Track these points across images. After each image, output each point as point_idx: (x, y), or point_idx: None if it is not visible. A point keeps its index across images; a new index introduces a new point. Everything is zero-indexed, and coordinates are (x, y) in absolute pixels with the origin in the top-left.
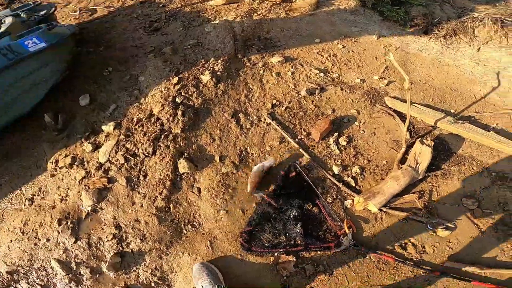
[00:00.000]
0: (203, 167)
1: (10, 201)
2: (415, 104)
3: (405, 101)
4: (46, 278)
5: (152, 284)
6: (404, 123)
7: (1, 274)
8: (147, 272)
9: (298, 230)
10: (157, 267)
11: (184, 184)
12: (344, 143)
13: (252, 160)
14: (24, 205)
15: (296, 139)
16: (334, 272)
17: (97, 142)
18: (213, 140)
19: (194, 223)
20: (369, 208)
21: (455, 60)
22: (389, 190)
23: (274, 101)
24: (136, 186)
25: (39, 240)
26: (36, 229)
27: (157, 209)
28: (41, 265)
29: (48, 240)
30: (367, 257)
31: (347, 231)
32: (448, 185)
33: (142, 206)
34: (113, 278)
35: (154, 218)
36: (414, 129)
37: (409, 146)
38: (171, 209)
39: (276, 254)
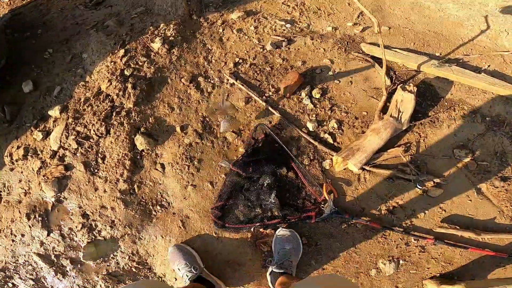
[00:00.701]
0: (164, 141)
1: None
2: (395, 49)
3: (385, 47)
4: (34, 272)
5: (133, 269)
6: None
7: None
8: (125, 258)
9: (273, 200)
10: (133, 252)
11: (146, 162)
12: (318, 96)
13: (217, 125)
14: None
15: (264, 97)
16: (318, 244)
17: (46, 129)
18: (171, 109)
19: (162, 203)
20: (350, 168)
21: (437, 3)
22: (370, 146)
23: (237, 60)
24: (95, 171)
25: (15, 236)
26: (9, 226)
27: (121, 192)
28: (25, 260)
29: (23, 235)
30: (352, 225)
31: (327, 197)
32: (437, 135)
33: (105, 191)
34: (94, 267)
35: (119, 202)
36: (396, 75)
37: (392, 94)
38: (136, 190)
39: (253, 229)
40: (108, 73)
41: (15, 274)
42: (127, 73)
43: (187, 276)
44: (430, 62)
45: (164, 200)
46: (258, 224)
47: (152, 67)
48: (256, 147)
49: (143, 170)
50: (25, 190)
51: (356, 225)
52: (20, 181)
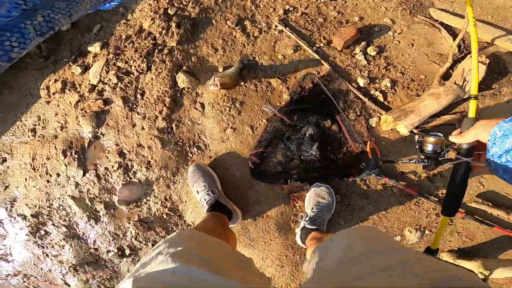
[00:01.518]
0: (206, 80)
1: (14, 133)
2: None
3: (455, 14)
4: (67, 218)
5: (164, 216)
6: (453, 37)
7: (28, 219)
8: (157, 204)
9: (314, 153)
10: (167, 197)
11: (186, 100)
12: (373, 54)
13: (262, 69)
14: (28, 136)
15: (314, 47)
16: (351, 203)
17: (85, 64)
18: (215, 50)
19: (199, 145)
20: (397, 129)
21: None
22: (426, 110)
23: (287, 7)
24: (134, 107)
25: (50, 176)
26: (45, 164)
27: (158, 130)
28: (59, 204)
29: (58, 175)
30: (389, 188)
31: (369, 155)
32: (495, 108)
33: (143, 128)
34: (126, 213)
35: (157, 141)
36: (465, 44)
37: (457, 62)
38: (174, 129)
39: (289, 182)
40: (151, 11)
41: (48, 220)
42: (170, 12)
43: (205, 200)
44: (507, 37)
45: (202, 141)
46: (295, 175)
47: (196, 8)
48: (303, 95)
49: (183, 108)
50: (62, 124)
51: (393, 189)
52: (56, 114)
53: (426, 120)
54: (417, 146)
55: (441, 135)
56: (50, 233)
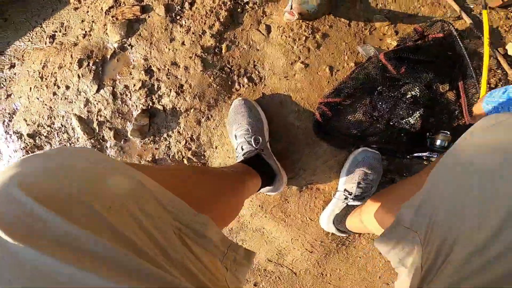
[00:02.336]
0: None
1: (31, 39)
2: None
3: None
4: (68, 143)
5: (185, 161)
6: None
7: (24, 139)
8: (179, 143)
9: (413, 121)
10: (193, 136)
11: (247, 18)
12: None
13: (365, 2)
14: (45, 43)
15: None
16: (395, 180)
17: None
18: None
19: (252, 76)
20: None
21: None
22: None
23: None
24: (177, 17)
25: (58, 87)
26: (55, 73)
27: (203, 49)
28: (62, 125)
29: (67, 87)
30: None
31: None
32: None
33: (183, 44)
34: (139, 148)
35: (197, 61)
36: None
37: None
38: (223, 51)
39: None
40: None
41: (46, 144)
42: None
43: (242, 149)
44: None
45: (256, 72)
46: (374, 145)
47: None
48: (420, 45)
49: (240, 28)
50: (86, 32)
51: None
52: (82, 21)
53: None
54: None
55: (448, 133)
56: None
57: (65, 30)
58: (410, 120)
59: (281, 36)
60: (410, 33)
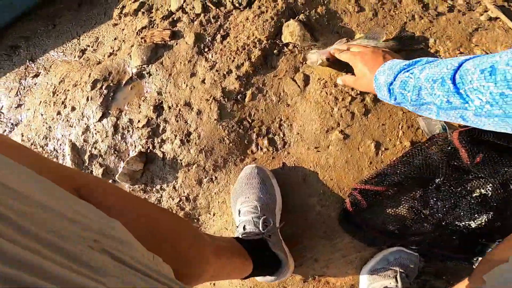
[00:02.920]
0: (326, 43)
1: (65, 50)
2: None
3: None
4: None
5: None
6: None
7: None
8: (173, 199)
9: (475, 224)
10: (190, 197)
11: (283, 63)
12: None
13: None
14: (74, 57)
15: None
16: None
17: None
18: (360, 9)
19: (275, 138)
20: None
21: None
22: None
23: None
24: (206, 49)
25: (65, 107)
26: (67, 90)
27: (224, 92)
28: (54, 148)
29: (73, 109)
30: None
31: None
32: None
33: (203, 81)
34: None
35: (214, 107)
36: None
37: None
38: (246, 98)
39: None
40: None
41: None
42: None
43: (244, 229)
44: None
45: (281, 134)
46: (414, 246)
47: None
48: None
49: (273, 73)
50: (113, 51)
51: None
52: (115, 39)
53: None
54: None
55: None
56: None
57: (97, 46)
58: (472, 224)
59: (321, 91)
60: None
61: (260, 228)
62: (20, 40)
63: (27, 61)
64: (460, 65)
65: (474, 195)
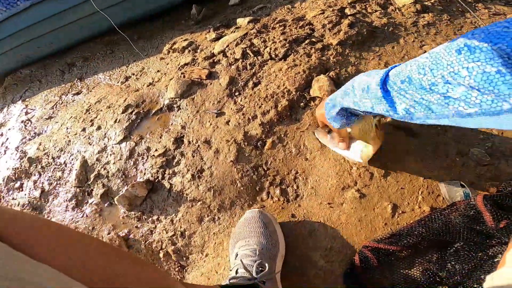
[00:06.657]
0: None
1: (112, 75)
2: None
3: None
4: (55, 182)
5: (160, 255)
6: None
7: (23, 160)
8: (167, 232)
9: None
10: (186, 233)
11: (308, 116)
12: None
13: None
14: (118, 81)
15: None
16: None
17: (223, 34)
18: None
19: (288, 189)
20: None
21: None
22: None
23: None
24: (236, 93)
25: (92, 125)
26: (100, 111)
27: (245, 136)
28: (64, 162)
29: (99, 128)
30: None
31: None
32: None
33: (227, 123)
34: (119, 218)
35: (232, 148)
36: None
37: None
38: (266, 146)
39: None
40: (325, 5)
41: (36, 173)
42: (348, 12)
43: (236, 273)
44: None
45: (295, 186)
46: None
47: (384, 19)
48: None
49: (296, 125)
50: (153, 81)
51: None
52: (158, 71)
53: None
54: None
55: None
56: (23, 189)
57: (140, 75)
58: None
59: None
60: None
61: (253, 273)
62: (79, 60)
63: (76, 79)
64: (386, 74)
65: (496, 259)
